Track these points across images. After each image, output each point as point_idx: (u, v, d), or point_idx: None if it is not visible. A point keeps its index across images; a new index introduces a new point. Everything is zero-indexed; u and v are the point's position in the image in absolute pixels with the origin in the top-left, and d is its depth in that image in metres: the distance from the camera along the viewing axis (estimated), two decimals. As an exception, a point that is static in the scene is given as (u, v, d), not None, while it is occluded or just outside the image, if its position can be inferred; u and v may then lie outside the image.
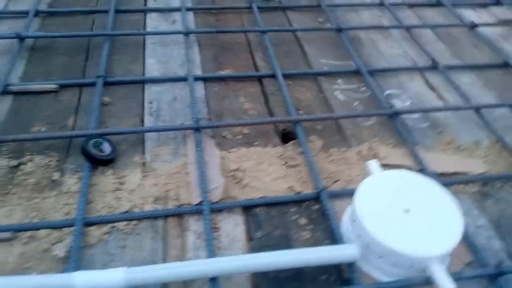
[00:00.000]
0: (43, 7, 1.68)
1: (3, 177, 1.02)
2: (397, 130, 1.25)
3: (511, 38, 1.77)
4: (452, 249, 0.82)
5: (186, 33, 1.56)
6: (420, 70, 1.54)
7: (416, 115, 1.33)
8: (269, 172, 1.11)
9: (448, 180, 1.11)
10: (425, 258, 0.82)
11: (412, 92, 1.44)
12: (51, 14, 1.66)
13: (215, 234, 0.94)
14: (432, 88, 1.47)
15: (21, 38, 1.45)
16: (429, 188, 0.93)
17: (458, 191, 1.10)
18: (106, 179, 1.04)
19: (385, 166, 1.15)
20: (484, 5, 2.00)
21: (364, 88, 1.43)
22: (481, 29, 1.77)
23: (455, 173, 1.14)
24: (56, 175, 1.04)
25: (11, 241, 0.89)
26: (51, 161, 1.07)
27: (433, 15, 1.89)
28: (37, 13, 1.62)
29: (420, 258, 0.82)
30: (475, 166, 1.16)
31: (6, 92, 1.26)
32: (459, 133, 1.28)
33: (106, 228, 0.93)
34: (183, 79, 1.38)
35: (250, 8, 1.78)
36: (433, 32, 1.77)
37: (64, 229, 0.91)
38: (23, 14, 1.60)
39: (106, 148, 1.08)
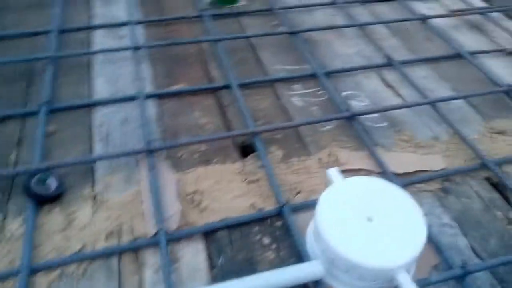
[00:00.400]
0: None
1: None
2: (356, 133, 1.23)
3: (463, 28, 1.79)
4: (416, 256, 0.81)
5: (135, 48, 1.50)
6: (376, 68, 1.53)
7: (374, 115, 1.32)
8: (229, 191, 1.07)
9: (409, 180, 1.10)
10: (390, 269, 0.80)
11: (369, 91, 1.43)
12: (-10, 39, 1.57)
13: (174, 266, 0.89)
14: (388, 85, 1.46)
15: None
16: (390, 193, 0.91)
17: (420, 190, 1.09)
18: (53, 217, 0.97)
19: (346, 171, 1.13)
20: (433, -4, 2.02)
21: (321, 92, 1.41)
22: (433, 21, 1.78)
23: (415, 172, 1.13)
24: (-3, 220, 0.97)
25: None
26: (-9, 204, 1.00)
27: (386, 10, 1.89)
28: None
29: (385, 269, 0.80)
30: (435, 162, 1.16)
31: None
32: (417, 130, 1.28)
33: (55, 273, 0.86)
34: (134, 98, 1.32)
35: (201, 16, 1.73)
36: (386, 27, 1.77)
37: (8, 280, 0.84)
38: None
39: (52, 183, 1.01)
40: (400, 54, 1.61)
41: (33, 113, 1.24)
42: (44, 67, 1.40)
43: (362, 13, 1.87)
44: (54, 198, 1.00)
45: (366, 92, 1.42)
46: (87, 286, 0.85)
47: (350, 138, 1.23)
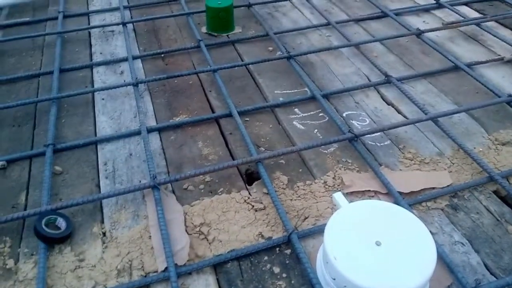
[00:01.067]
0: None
1: (-49, 275, 0.95)
2: (359, 153, 1.23)
3: (458, 40, 1.80)
4: (427, 279, 0.80)
5: (135, 84, 1.52)
6: (374, 86, 1.54)
7: (376, 134, 1.32)
8: (236, 221, 1.07)
9: (416, 199, 1.09)
10: (403, 293, 0.79)
11: (369, 110, 1.43)
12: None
13: (185, 301, 0.89)
14: (388, 103, 1.47)
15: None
16: (397, 215, 0.91)
17: (429, 208, 1.09)
18: (64, 258, 0.98)
19: (352, 193, 1.13)
20: (426, 10, 2.04)
21: (321, 114, 1.41)
22: (428, 35, 1.80)
23: (422, 190, 1.12)
24: (10, 263, 0.97)
25: None
26: (3, 247, 1.01)
27: (381, 27, 1.91)
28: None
29: (398, 294, 0.79)
30: (442, 179, 1.15)
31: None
32: (421, 146, 1.28)
33: (67, 315, 0.86)
34: (137, 133, 1.34)
35: (198, 47, 1.76)
36: (382, 44, 1.79)
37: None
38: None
39: (61, 224, 1.02)
40: (397, 70, 1.62)
41: (40, 155, 1.26)
42: (49, 108, 1.43)
43: (357, 31, 1.90)
44: (64, 239, 1.00)
45: (366, 111, 1.43)
46: (99, 328, 0.85)
47: (354, 159, 1.23)
